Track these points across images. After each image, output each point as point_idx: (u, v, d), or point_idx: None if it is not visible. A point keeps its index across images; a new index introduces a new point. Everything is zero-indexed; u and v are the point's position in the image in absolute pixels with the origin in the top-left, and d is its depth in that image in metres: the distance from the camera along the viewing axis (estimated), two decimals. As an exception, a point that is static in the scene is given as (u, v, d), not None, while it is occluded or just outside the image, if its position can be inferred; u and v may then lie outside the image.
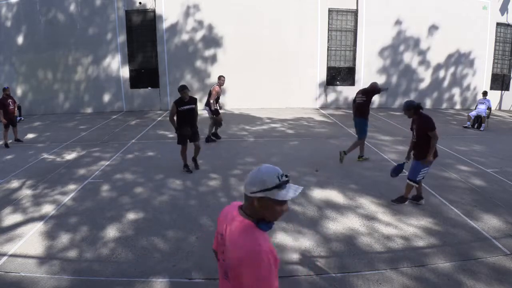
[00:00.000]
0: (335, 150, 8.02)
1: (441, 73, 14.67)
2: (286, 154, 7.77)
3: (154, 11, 13.45)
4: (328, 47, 14.15)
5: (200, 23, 13.63)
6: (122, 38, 13.50)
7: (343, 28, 14.14)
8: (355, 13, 14.00)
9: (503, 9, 14.44)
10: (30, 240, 4.25)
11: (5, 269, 3.65)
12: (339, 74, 14.53)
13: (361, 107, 7.12)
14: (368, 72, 14.12)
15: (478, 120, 10.86)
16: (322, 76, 14.31)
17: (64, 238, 4.28)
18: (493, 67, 14.95)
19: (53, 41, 13.39)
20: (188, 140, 6.50)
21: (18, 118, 11.16)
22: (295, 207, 5.05)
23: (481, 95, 11.82)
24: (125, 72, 13.76)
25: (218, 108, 8.82)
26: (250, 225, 1.52)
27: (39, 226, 4.58)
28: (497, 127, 11.24)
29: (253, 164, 6.78)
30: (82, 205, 5.24)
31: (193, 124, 6.49)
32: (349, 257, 3.87)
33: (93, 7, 13.33)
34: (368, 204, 5.19)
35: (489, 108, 11.02)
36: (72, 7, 13.30)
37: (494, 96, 14.17)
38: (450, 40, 14.18)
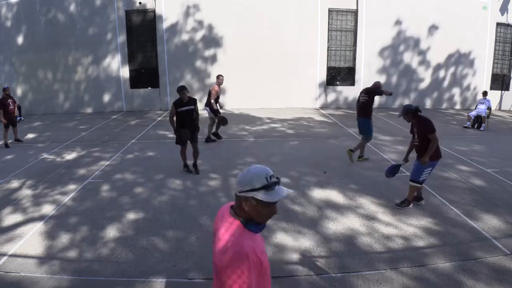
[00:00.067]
0: (335, 150, 8.03)
1: (441, 73, 14.67)
2: (286, 154, 7.77)
3: (154, 11, 13.45)
4: (328, 47, 14.15)
5: (200, 23, 13.63)
6: (122, 38, 13.50)
7: (343, 28, 14.14)
8: (355, 13, 14.00)
9: (503, 9, 14.44)
10: (30, 240, 4.25)
11: (5, 269, 3.65)
12: (339, 74, 14.53)
13: (364, 106, 7.11)
14: (368, 72, 14.12)
15: (478, 120, 10.86)
16: (322, 76, 14.31)
17: (64, 238, 4.28)
18: (493, 67, 14.95)
19: (53, 41, 13.39)
20: (187, 141, 6.47)
21: (18, 118, 11.16)
22: (295, 207, 5.06)
23: (481, 95, 11.82)
24: (125, 72, 13.76)
25: (218, 107, 8.80)
26: (238, 226, 1.51)
27: (39, 226, 4.58)
28: (497, 127, 11.24)
29: (253, 164, 6.77)
30: (82, 205, 5.24)
31: (193, 125, 6.42)
32: (349, 257, 3.87)
33: (93, 7, 13.33)
34: (368, 204, 5.19)
35: (489, 108, 11.02)
36: (72, 7, 13.29)
37: (494, 96, 14.17)
38: (450, 40, 14.18)
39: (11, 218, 4.81)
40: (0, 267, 3.67)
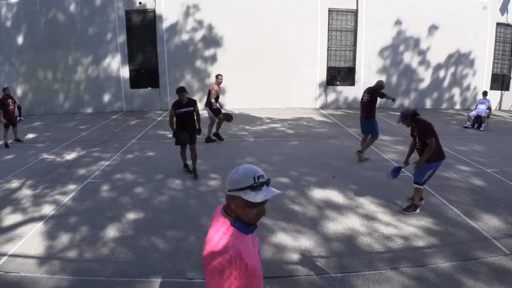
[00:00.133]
0: (335, 150, 8.03)
1: (441, 73, 14.67)
2: (286, 154, 7.76)
3: (154, 11, 13.45)
4: (328, 47, 14.15)
5: (200, 23, 13.63)
6: (122, 38, 13.50)
7: (343, 28, 14.14)
8: (355, 13, 14.00)
9: (503, 9, 14.44)
10: (30, 240, 4.25)
11: (5, 269, 3.65)
12: (339, 74, 14.53)
13: (367, 106, 7.08)
14: (368, 72, 14.12)
15: (478, 120, 10.86)
16: (322, 76, 14.31)
17: (64, 238, 4.28)
18: (493, 67, 14.95)
19: (53, 41, 13.39)
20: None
21: (18, 118, 11.16)
22: (295, 207, 5.06)
23: (481, 95, 11.82)
24: (125, 72, 13.76)
25: (219, 107, 8.77)
26: (227, 225, 1.49)
27: (39, 226, 4.58)
28: (497, 127, 11.24)
29: (253, 164, 6.76)
30: (82, 205, 5.24)
31: (192, 127, 6.36)
32: (349, 257, 3.87)
33: (93, 7, 13.33)
34: (368, 204, 5.19)
35: (489, 108, 11.02)
36: (72, 7, 13.30)
37: (494, 96, 14.18)
38: (450, 40, 14.18)
39: (11, 218, 4.81)
40: (0, 267, 3.67)
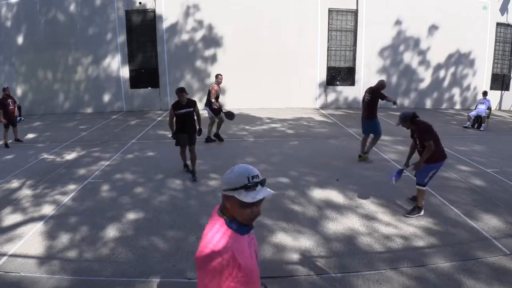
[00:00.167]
0: (335, 150, 8.03)
1: (441, 73, 14.67)
2: (286, 154, 7.76)
3: (154, 11, 13.45)
4: (328, 47, 14.15)
5: (200, 23, 13.63)
6: (122, 38, 13.50)
7: (343, 28, 14.14)
8: (355, 13, 14.00)
9: (503, 9, 14.44)
10: (30, 240, 4.25)
11: (5, 269, 3.65)
12: (339, 74, 14.53)
13: (368, 106, 7.05)
14: (368, 72, 14.12)
15: (478, 120, 10.86)
16: (322, 76, 14.31)
17: (64, 238, 4.28)
18: (493, 67, 14.95)
19: (53, 41, 13.39)
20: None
21: (18, 118, 11.15)
22: (295, 207, 5.05)
23: (481, 95, 11.82)
24: (125, 72, 13.76)
25: (219, 106, 8.75)
26: (221, 225, 1.49)
27: (39, 226, 4.58)
28: (497, 127, 11.24)
29: (253, 164, 6.77)
30: (82, 205, 5.24)
31: (192, 127, 6.33)
32: (349, 257, 3.87)
33: (93, 7, 13.33)
34: (368, 204, 5.19)
35: (489, 108, 11.02)
36: (72, 7, 13.30)
37: (494, 96, 14.17)
38: (450, 40, 14.18)
39: (11, 218, 4.81)
40: (0, 267, 3.67)
